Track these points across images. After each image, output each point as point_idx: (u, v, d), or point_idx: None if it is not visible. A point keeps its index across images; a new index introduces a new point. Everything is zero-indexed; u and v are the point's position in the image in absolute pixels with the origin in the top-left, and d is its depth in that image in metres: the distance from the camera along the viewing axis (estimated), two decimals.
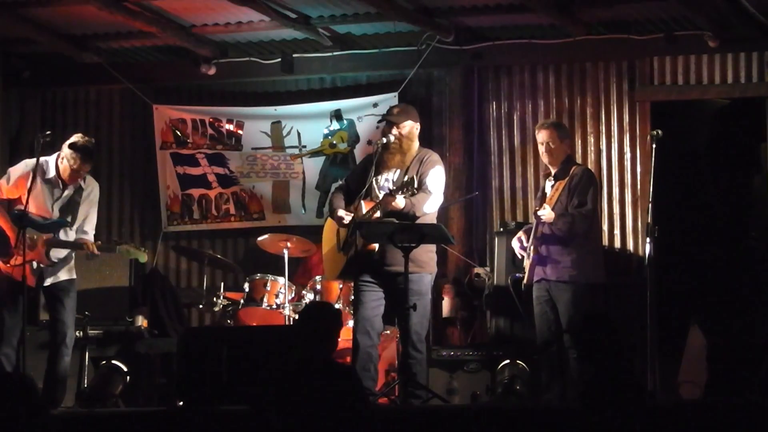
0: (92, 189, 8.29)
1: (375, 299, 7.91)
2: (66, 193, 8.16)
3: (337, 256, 8.12)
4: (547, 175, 8.29)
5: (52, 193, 8.14)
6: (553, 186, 8.09)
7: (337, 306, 9.03)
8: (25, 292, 7.84)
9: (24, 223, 7.85)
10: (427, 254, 7.92)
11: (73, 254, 8.25)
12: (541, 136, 8.21)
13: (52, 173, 8.11)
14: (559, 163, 8.16)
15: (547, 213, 7.88)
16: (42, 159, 8.10)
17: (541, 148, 8.23)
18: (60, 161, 8.11)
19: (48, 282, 8.11)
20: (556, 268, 7.97)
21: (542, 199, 8.07)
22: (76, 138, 8.16)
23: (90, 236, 8.26)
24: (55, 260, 8.09)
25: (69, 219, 8.12)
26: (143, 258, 8.52)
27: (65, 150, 8.10)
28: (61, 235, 8.14)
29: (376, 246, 7.84)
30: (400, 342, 7.91)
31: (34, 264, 8.03)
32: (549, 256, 7.99)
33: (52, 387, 8.02)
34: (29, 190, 7.92)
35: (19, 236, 7.84)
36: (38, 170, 8.01)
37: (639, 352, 7.97)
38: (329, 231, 8.26)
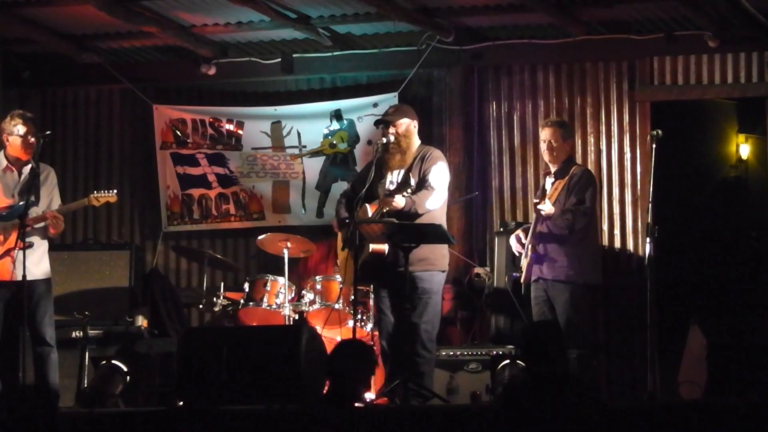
0: (48, 172, 8.29)
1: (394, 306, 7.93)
2: (23, 177, 8.15)
3: (350, 263, 8.04)
4: (547, 173, 8.28)
5: (8, 183, 8.14)
6: (552, 184, 8.08)
7: (336, 306, 9.04)
8: (25, 291, 7.83)
9: None
10: (440, 252, 7.89)
11: (47, 250, 8.19)
12: (545, 133, 8.21)
13: (3, 164, 8.13)
14: (559, 162, 8.15)
15: (547, 207, 7.86)
16: None
17: (543, 146, 8.23)
18: (6, 142, 8.09)
19: (25, 276, 7.90)
20: (553, 267, 7.96)
21: (542, 196, 8.05)
22: (7, 117, 8.19)
23: None
24: (31, 242, 8.01)
25: (33, 199, 8.06)
26: (113, 198, 8.34)
27: (6, 127, 8.10)
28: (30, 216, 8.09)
29: (386, 248, 7.81)
30: (403, 341, 7.87)
31: (17, 254, 7.95)
32: (546, 254, 7.98)
33: (45, 388, 7.98)
34: None
35: None
36: None
37: (639, 352, 7.96)
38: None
